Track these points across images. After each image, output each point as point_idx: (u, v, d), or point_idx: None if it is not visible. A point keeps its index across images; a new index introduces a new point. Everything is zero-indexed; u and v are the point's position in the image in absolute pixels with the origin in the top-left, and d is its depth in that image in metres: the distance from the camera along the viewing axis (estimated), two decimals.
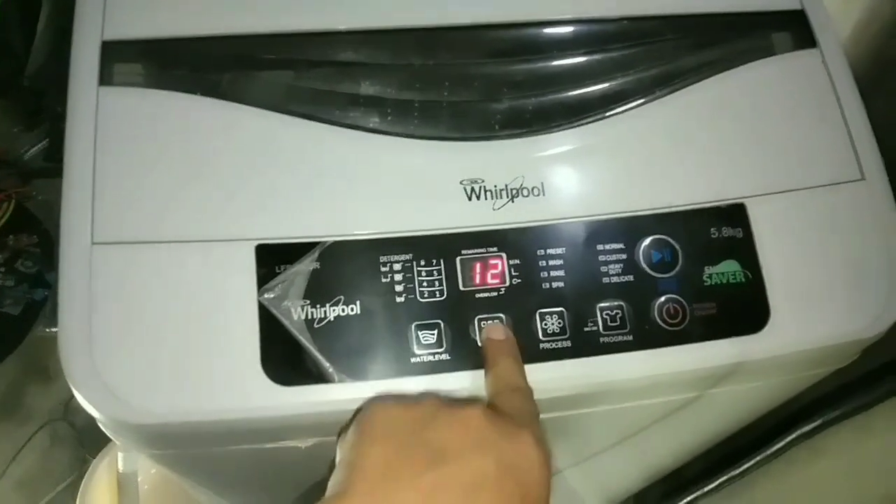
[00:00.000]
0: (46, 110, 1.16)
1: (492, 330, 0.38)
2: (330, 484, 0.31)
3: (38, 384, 1.08)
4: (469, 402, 0.33)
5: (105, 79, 0.40)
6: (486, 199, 0.41)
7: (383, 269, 0.39)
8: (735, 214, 0.42)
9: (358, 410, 0.36)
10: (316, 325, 0.37)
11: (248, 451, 0.40)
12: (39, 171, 1.17)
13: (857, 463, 0.49)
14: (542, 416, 0.35)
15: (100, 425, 0.38)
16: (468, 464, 0.30)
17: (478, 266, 0.39)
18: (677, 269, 0.40)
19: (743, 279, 0.41)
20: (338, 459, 0.34)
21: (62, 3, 1.16)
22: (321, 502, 0.30)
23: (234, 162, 0.40)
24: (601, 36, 0.45)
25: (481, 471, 0.30)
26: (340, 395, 0.37)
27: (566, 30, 0.45)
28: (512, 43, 0.45)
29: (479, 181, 0.41)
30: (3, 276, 1.09)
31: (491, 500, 0.30)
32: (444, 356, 0.38)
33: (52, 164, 1.17)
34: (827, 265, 0.42)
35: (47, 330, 1.09)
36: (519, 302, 0.39)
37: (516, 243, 0.40)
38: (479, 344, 0.38)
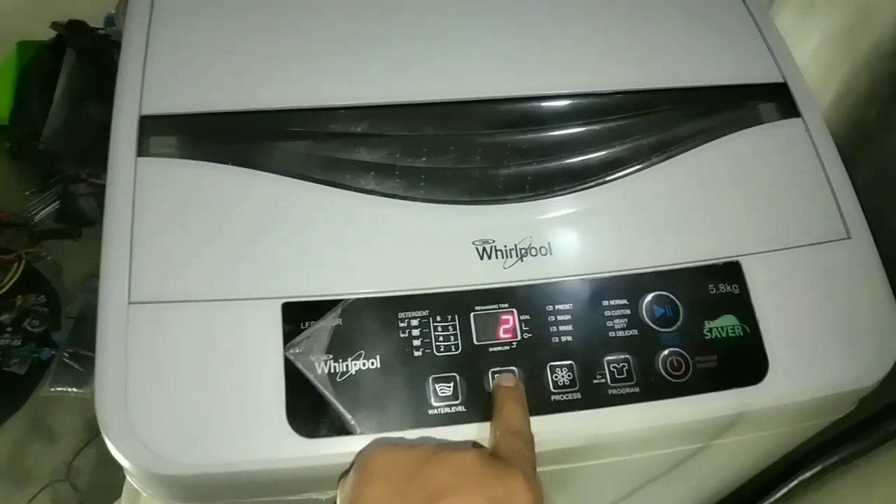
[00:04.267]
0: (59, 173, 1.19)
1: (503, 378, 0.40)
2: None
3: (41, 444, 1.08)
4: (464, 446, 0.35)
5: (143, 150, 0.43)
6: (497, 258, 0.43)
7: (401, 324, 0.41)
8: (731, 271, 0.44)
9: (359, 454, 0.37)
10: (338, 379, 0.39)
11: None
12: (50, 231, 1.20)
13: None
14: (550, 468, 0.37)
15: (128, 477, 0.40)
16: (460, 501, 0.32)
17: (491, 321, 0.42)
18: (679, 323, 0.43)
19: (741, 333, 0.43)
20: (339, 501, 0.35)
21: (80, 71, 1.21)
22: None
23: (261, 225, 0.42)
24: (600, 108, 0.49)
25: None
26: (360, 447, 0.38)
27: (567, 103, 0.49)
28: (517, 115, 0.48)
29: (491, 241, 0.44)
30: (11, 336, 1.10)
31: None
32: (460, 408, 0.40)
33: (63, 225, 1.20)
34: (821, 318, 0.44)
35: (52, 389, 1.10)
36: (530, 355, 0.41)
37: (526, 300, 0.42)
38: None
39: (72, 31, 1.22)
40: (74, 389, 1.07)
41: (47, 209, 1.22)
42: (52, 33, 1.22)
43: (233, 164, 0.44)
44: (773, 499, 0.51)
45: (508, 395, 0.39)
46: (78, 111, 1.18)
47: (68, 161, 1.18)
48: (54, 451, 1.07)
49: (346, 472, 0.37)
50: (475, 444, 0.39)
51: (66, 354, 1.10)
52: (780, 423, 0.45)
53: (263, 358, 0.39)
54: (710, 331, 0.43)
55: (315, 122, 0.47)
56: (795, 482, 0.49)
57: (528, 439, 0.37)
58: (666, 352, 0.42)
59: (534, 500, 0.33)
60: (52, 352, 1.09)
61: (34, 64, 1.24)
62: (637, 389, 0.41)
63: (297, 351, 0.39)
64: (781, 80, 0.51)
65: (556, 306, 0.42)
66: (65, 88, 1.21)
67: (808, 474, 0.49)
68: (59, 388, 1.09)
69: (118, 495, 0.74)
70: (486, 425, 0.39)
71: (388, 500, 0.33)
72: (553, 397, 0.41)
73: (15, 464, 1.04)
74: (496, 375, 0.40)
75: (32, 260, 1.17)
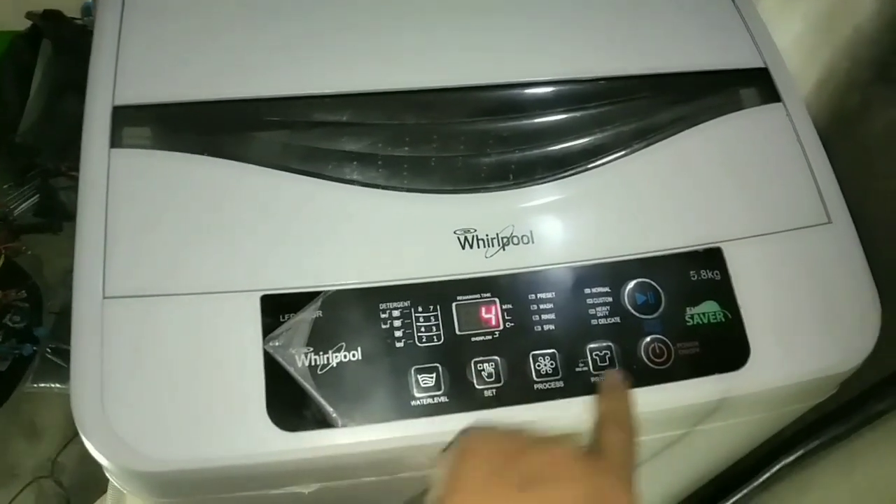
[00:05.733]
0: (38, 167, 1.18)
1: (610, 374, 0.40)
2: (428, 499, 0.35)
3: (24, 441, 1.07)
4: (561, 439, 0.36)
5: (116, 141, 0.43)
6: (478, 247, 0.43)
7: (383, 315, 0.41)
8: (712, 258, 0.44)
9: (460, 433, 0.38)
10: (319, 372, 0.39)
11: (251, 498, 0.41)
12: (29, 226, 1.18)
13: (842, 496, 0.50)
14: None
15: (108, 475, 0.39)
16: (557, 492, 0.32)
17: (473, 311, 0.41)
18: (661, 310, 0.43)
19: (723, 319, 0.43)
20: (437, 477, 0.36)
21: (57, 62, 1.19)
22: None
23: (238, 217, 0.42)
24: (581, 95, 0.48)
25: (570, 499, 0.32)
26: (343, 439, 0.38)
27: (549, 90, 0.48)
28: (498, 102, 0.48)
29: (472, 231, 0.43)
30: None
31: None
32: (443, 398, 0.39)
33: (42, 219, 1.19)
34: (802, 303, 0.44)
35: (35, 385, 1.09)
36: (513, 344, 0.41)
37: (509, 289, 0.42)
38: (476, 386, 0.40)
39: (48, 21, 1.19)
40: (57, 385, 1.06)
41: (26, 203, 1.20)
42: (28, 23, 1.20)
43: (209, 154, 0.43)
44: (756, 483, 0.52)
45: (615, 389, 0.39)
46: (55, 103, 1.16)
47: (46, 154, 1.16)
48: (38, 448, 1.06)
49: (446, 450, 0.37)
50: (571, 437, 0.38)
51: (49, 350, 1.08)
52: (762, 407, 0.46)
53: (242, 352, 0.38)
54: (692, 317, 0.43)
55: (293, 111, 0.46)
56: (778, 466, 0.50)
57: (632, 437, 0.37)
58: (648, 339, 0.42)
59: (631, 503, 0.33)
60: (35, 348, 1.08)
61: (9, 55, 1.21)
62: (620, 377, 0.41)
63: (277, 344, 0.39)
64: (762, 66, 0.51)
65: (539, 295, 0.42)
66: (41, 80, 1.19)
67: (790, 458, 0.49)
68: (42, 384, 1.07)
69: (103, 491, 0.74)
70: (468, 416, 0.39)
71: (486, 479, 0.33)
72: (536, 386, 0.40)
73: None
74: (605, 373, 0.40)
75: (12, 255, 1.16)
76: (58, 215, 1.18)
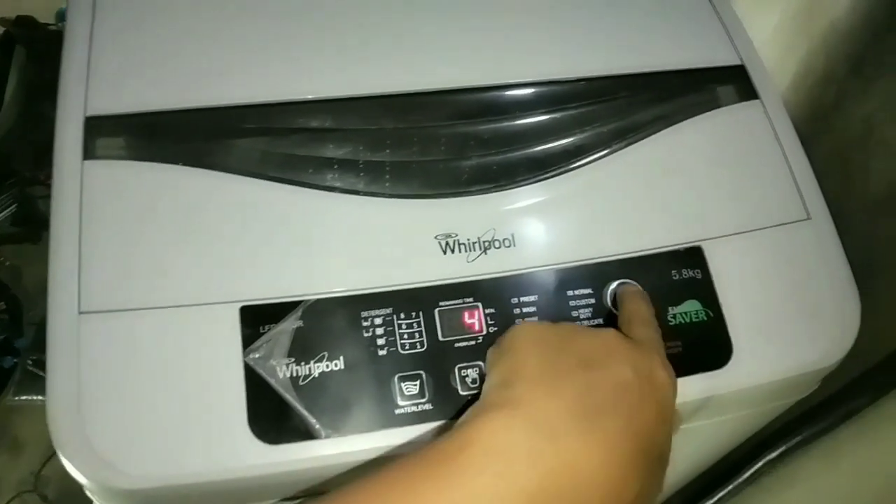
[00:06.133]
0: (15, 175, 1.16)
1: (628, 284, 0.43)
2: (485, 389, 0.36)
3: (6, 455, 1.05)
4: (601, 328, 0.38)
5: (89, 153, 0.42)
6: (460, 252, 0.43)
7: (364, 323, 0.40)
8: (693, 257, 0.44)
9: (508, 332, 0.39)
10: (301, 383, 0.38)
11: None
12: (7, 236, 1.16)
13: (827, 487, 0.51)
14: None
15: (88, 493, 0.38)
16: (612, 369, 0.35)
17: (456, 316, 0.41)
18: None
19: (705, 317, 0.43)
20: (491, 371, 0.37)
21: (31, 69, 1.17)
22: (480, 402, 0.34)
23: (215, 227, 0.41)
24: (560, 96, 0.48)
25: (623, 376, 0.34)
26: (327, 450, 0.38)
27: (527, 91, 0.48)
28: (477, 105, 0.48)
29: (453, 235, 0.43)
30: None
31: (634, 400, 0.34)
32: (427, 406, 0.39)
33: (21, 229, 1.17)
34: (782, 300, 0.44)
35: (16, 398, 1.07)
36: None
37: (491, 293, 0.42)
38: (461, 392, 0.40)
39: (21, 28, 1.17)
40: (40, 398, 1.05)
41: (4, 213, 1.18)
42: (0, 30, 1.18)
43: (184, 164, 0.42)
44: (740, 479, 0.52)
45: (636, 294, 0.42)
46: (31, 110, 1.14)
47: (23, 162, 1.14)
48: (21, 462, 1.04)
49: (494, 350, 0.38)
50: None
51: (30, 362, 1.07)
52: (745, 405, 0.46)
53: (222, 364, 0.38)
54: (675, 316, 0.43)
55: (270, 117, 0.45)
56: (762, 462, 0.50)
57: (657, 328, 0.40)
58: None
59: (670, 380, 0.36)
60: (15, 360, 1.06)
61: None
62: None
63: (257, 356, 0.38)
64: (739, 63, 0.51)
65: (522, 298, 0.42)
66: (16, 87, 1.17)
67: (773, 455, 0.49)
68: (24, 397, 1.06)
69: None
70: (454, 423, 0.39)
71: (549, 363, 0.35)
72: None
73: None
74: (622, 283, 0.43)
75: None
76: (36, 225, 1.16)
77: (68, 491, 0.98)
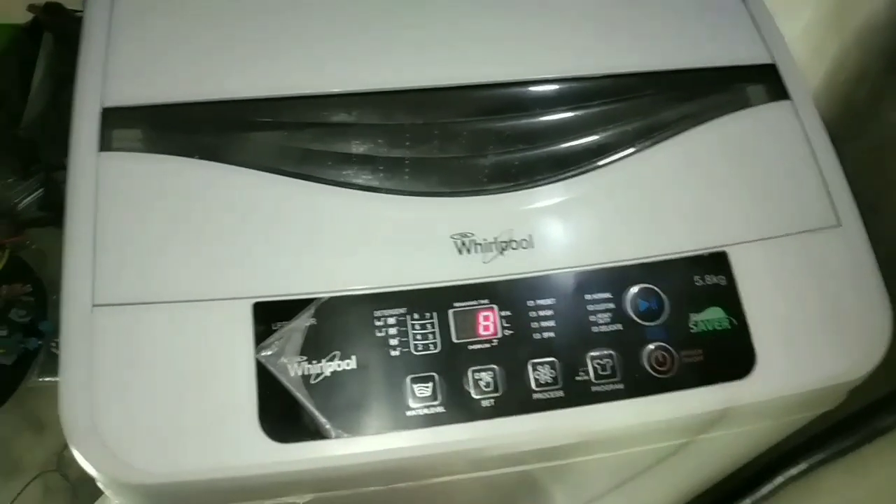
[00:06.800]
0: (41, 160, 1.17)
1: None
2: None
3: (30, 435, 1.07)
4: None
5: (105, 144, 0.42)
6: (476, 252, 0.42)
7: (377, 323, 0.40)
8: (717, 262, 0.43)
9: None
10: (312, 382, 0.38)
11: None
12: (34, 220, 1.18)
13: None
14: (535, 465, 0.36)
15: (99, 485, 0.38)
16: None
17: (470, 318, 0.40)
18: (664, 317, 0.42)
19: (728, 326, 0.42)
20: None
21: (59, 55, 1.18)
22: None
23: (230, 222, 0.41)
24: (584, 93, 0.47)
25: None
26: (337, 450, 0.37)
27: (551, 88, 0.47)
28: (499, 101, 0.47)
29: (469, 235, 0.42)
30: None
31: None
32: (439, 409, 0.38)
33: (47, 213, 1.18)
34: (809, 309, 0.43)
35: (40, 380, 1.09)
36: (511, 353, 0.40)
37: (507, 295, 0.41)
38: (474, 396, 0.39)
39: (49, 14, 1.18)
40: None
41: (30, 197, 1.20)
42: (29, 16, 1.19)
43: (200, 157, 0.42)
44: (759, 494, 0.50)
45: None
46: (58, 97, 1.15)
47: (50, 148, 1.16)
48: (44, 442, 1.06)
49: None
50: None
51: (54, 344, 1.08)
52: (767, 416, 0.44)
53: (234, 360, 0.38)
54: (696, 324, 0.42)
55: (288, 111, 0.45)
56: (783, 478, 0.49)
57: None
58: (651, 346, 0.41)
59: None
60: (40, 342, 1.08)
61: (10, 48, 1.20)
62: (621, 386, 0.40)
63: (269, 353, 0.38)
64: (770, 62, 0.50)
65: (538, 301, 0.41)
66: (43, 73, 1.18)
67: (794, 471, 0.48)
68: (48, 378, 1.07)
69: None
70: (466, 427, 0.38)
71: None
72: (535, 396, 0.39)
73: (4, 455, 1.04)
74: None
75: (17, 249, 1.16)
76: (61, 209, 1.18)
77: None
